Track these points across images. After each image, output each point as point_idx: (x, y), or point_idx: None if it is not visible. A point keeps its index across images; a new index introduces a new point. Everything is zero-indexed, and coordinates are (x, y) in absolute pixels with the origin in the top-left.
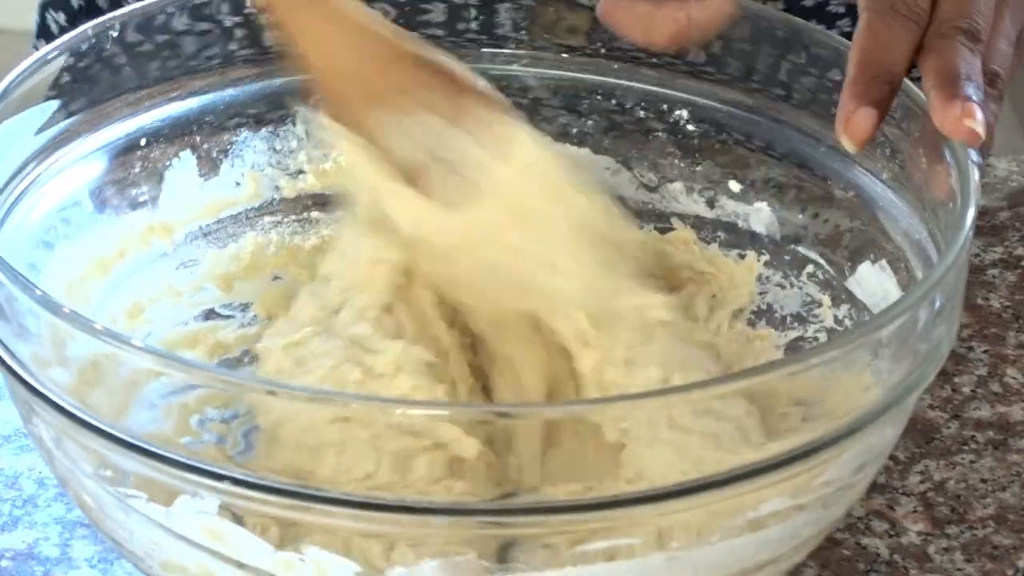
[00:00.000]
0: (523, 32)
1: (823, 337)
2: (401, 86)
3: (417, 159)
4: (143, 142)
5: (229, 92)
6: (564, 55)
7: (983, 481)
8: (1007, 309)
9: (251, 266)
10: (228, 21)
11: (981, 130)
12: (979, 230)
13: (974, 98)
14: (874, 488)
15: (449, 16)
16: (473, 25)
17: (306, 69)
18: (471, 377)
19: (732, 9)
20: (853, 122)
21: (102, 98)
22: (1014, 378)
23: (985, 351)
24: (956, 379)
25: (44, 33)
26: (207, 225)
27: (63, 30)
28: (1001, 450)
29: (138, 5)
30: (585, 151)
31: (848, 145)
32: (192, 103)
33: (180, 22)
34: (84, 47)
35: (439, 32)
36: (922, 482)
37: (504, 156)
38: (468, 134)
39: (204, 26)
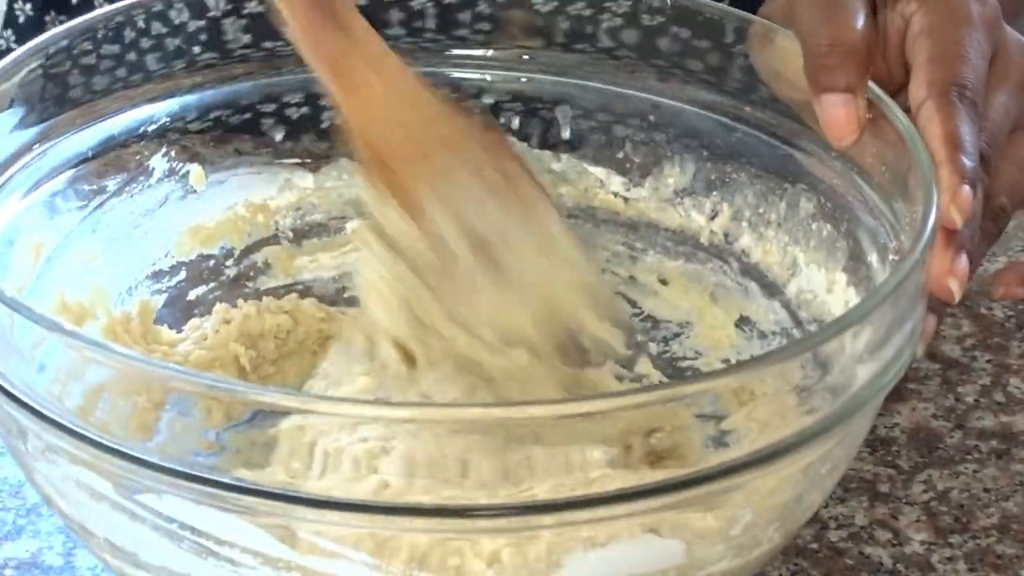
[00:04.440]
0: (488, 35)
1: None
2: (445, 146)
3: (452, 237)
4: (116, 144)
5: (204, 95)
6: (526, 57)
7: (986, 491)
8: (1010, 319)
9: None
10: (193, 25)
11: (957, 294)
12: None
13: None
14: (877, 497)
15: (409, 18)
16: (432, 26)
17: (345, 123)
18: None
19: None
20: (960, 196)
21: (71, 102)
22: (1017, 387)
23: (988, 361)
24: (959, 389)
25: (11, 23)
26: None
27: (30, 20)
28: (1004, 460)
29: (104, 10)
30: (571, 159)
31: (957, 218)
32: (165, 106)
33: (154, 23)
34: (53, 50)
35: (400, 33)
36: (925, 491)
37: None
38: (507, 211)
39: (176, 28)
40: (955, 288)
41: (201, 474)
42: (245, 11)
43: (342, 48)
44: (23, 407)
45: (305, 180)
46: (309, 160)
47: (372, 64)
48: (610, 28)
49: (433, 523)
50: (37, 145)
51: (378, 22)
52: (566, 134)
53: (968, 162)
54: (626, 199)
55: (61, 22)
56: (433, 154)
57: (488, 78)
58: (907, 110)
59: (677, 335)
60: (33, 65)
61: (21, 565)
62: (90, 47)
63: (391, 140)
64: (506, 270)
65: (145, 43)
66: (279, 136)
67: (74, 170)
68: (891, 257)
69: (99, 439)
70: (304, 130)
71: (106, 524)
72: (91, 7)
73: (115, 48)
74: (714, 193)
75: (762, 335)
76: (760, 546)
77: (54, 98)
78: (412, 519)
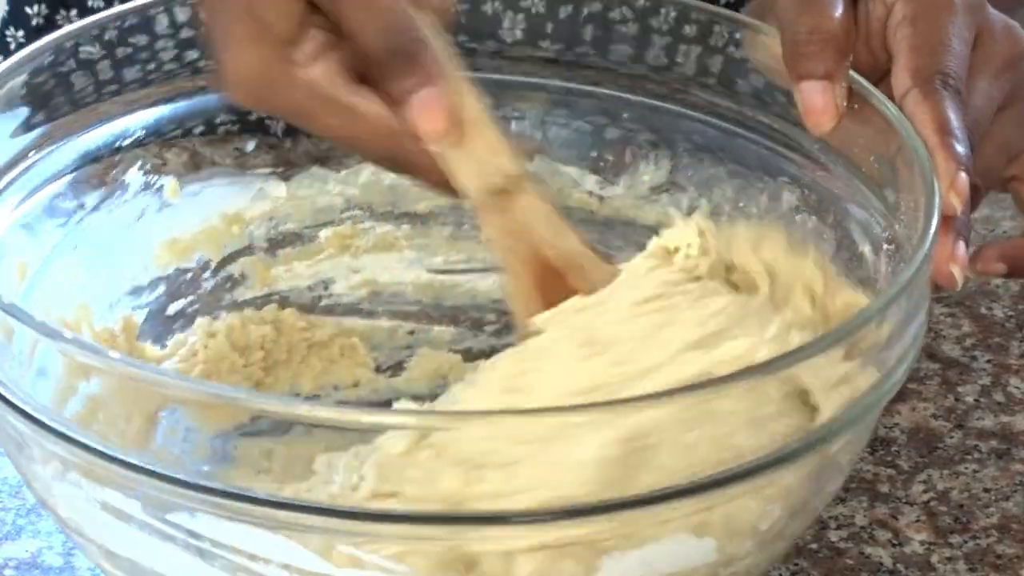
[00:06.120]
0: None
1: None
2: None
3: None
4: (107, 153)
5: (194, 101)
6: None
7: (986, 491)
8: (1010, 319)
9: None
10: (186, 32)
11: (959, 280)
12: (983, 239)
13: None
14: (877, 497)
15: None
16: None
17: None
18: None
19: None
20: (958, 184)
21: (46, 119)
22: (1017, 388)
23: (988, 361)
24: (959, 388)
25: (3, 50)
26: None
27: (21, 47)
28: (1004, 460)
29: (97, 17)
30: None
31: (957, 204)
32: (139, 119)
33: (141, 31)
34: (26, 68)
35: None
36: (925, 492)
37: None
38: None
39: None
40: (957, 274)
41: (204, 483)
42: None
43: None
44: (22, 415)
45: (278, 189)
46: (281, 169)
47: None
48: (581, 26)
49: (471, 531)
50: (17, 164)
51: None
52: (538, 135)
53: (961, 149)
54: (601, 198)
55: (21, 43)
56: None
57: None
58: (891, 98)
59: None
60: (8, 84)
61: (21, 565)
62: (61, 64)
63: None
64: None
65: (117, 58)
66: (250, 146)
67: (54, 187)
68: (885, 247)
69: (98, 447)
70: (275, 139)
71: (131, 545)
72: (55, 27)
73: (87, 64)
74: (691, 189)
75: None
76: (783, 539)
77: (30, 116)
78: (451, 527)
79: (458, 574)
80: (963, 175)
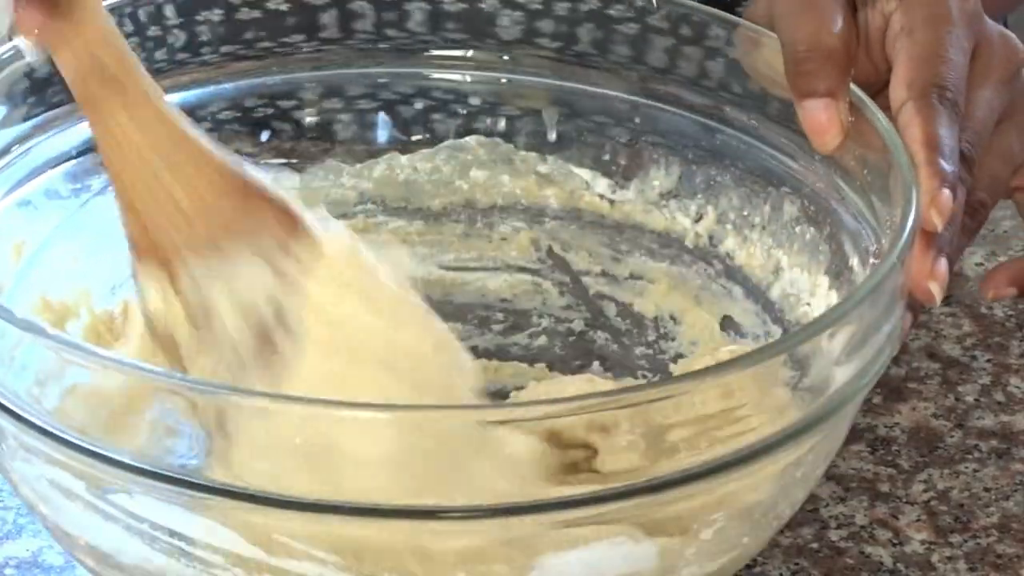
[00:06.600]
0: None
1: None
2: (226, 227)
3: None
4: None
5: (189, 94)
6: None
7: (986, 490)
8: (1010, 318)
9: None
10: (176, 25)
11: (938, 297)
12: (983, 238)
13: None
14: (878, 497)
15: (387, 18)
16: (418, 28)
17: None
18: None
19: None
20: (940, 200)
21: (55, 101)
22: (1017, 387)
23: (988, 360)
24: (959, 388)
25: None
26: None
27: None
28: (1004, 459)
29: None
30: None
31: (938, 221)
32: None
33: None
34: None
35: (378, 34)
36: (925, 491)
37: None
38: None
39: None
40: (935, 291)
41: (180, 476)
42: (235, 13)
43: (112, 106)
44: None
45: (291, 180)
46: (295, 160)
47: (141, 125)
48: (595, 30)
49: (403, 526)
50: (19, 144)
51: (356, 23)
52: (552, 136)
53: (947, 166)
54: (612, 201)
55: None
56: (201, 225)
57: (468, 79)
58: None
59: (661, 338)
60: (17, 64)
61: (22, 564)
62: None
63: (152, 207)
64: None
65: (129, 43)
66: (264, 136)
67: (57, 169)
68: (871, 260)
69: (76, 440)
70: (290, 130)
71: (79, 524)
72: None
73: None
74: (699, 196)
75: (744, 337)
76: (731, 551)
77: (38, 97)
78: (384, 521)
79: (390, 568)
80: (946, 192)
